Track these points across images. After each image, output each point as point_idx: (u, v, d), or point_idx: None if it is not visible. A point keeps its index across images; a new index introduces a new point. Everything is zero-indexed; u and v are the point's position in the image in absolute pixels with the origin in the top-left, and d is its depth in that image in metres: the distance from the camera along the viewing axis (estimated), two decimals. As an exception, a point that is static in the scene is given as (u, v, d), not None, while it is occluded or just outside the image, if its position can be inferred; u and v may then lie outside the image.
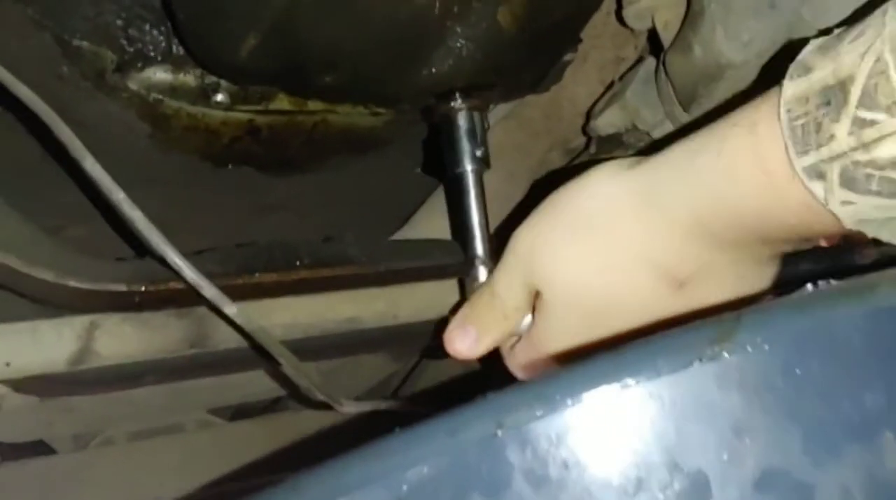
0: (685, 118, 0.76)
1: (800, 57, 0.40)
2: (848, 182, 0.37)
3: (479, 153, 0.68)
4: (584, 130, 0.89)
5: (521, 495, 0.32)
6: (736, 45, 0.69)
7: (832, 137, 0.37)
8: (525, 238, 0.51)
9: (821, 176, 0.38)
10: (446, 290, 0.72)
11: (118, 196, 0.51)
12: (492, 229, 0.70)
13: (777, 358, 0.33)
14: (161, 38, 0.68)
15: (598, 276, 0.48)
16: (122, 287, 0.56)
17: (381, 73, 0.66)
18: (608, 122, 0.84)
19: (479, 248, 0.67)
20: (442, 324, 0.57)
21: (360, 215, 0.84)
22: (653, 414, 0.32)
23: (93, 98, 0.68)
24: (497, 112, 0.86)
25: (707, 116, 0.72)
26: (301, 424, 0.90)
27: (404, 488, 0.32)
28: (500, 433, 0.32)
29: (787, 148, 0.38)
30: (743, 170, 0.41)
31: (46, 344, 0.60)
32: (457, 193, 0.69)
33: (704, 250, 0.46)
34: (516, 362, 0.55)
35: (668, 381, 0.32)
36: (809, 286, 0.36)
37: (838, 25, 0.41)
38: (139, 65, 0.68)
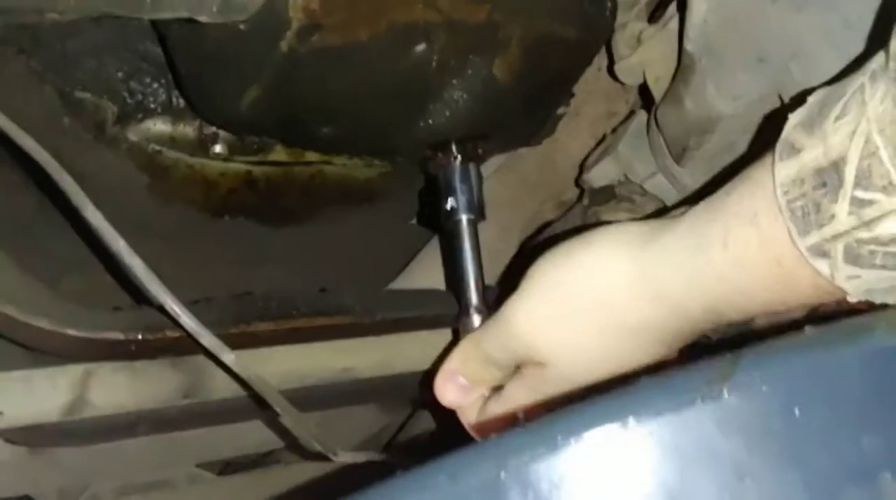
0: (677, 170, 0.78)
1: (784, 135, 0.42)
2: (853, 259, 0.39)
3: (474, 204, 0.68)
4: (577, 182, 0.90)
5: (524, 539, 0.32)
6: (726, 98, 0.70)
7: (833, 216, 0.38)
8: (520, 311, 0.52)
9: (824, 254, 0.39)
10: (440, 340, 0.72)
11: (118, 244, 0.51)
12: (486, 280, 0.70)
13: (776, 399, 0.33)
14: (161, 90, 0.69)
15: (604, 357, 0.50)
16: (119, 335, 0.56)
17: (378, 125, 0.67)
18: (601, 174, 0.85)
19: (474, 297, 0.68)
20: (430, 375, 0.59)
21: (356, 266, 0.84)
22: (655, 455, 0.32)
23: (93, 149, 0.69)
24: (491, 165, 0.87)
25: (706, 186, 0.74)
26: (293, 477, 0.88)
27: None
28: (502, 475, 0.32)
29: (789, 231, 0.40)
30: (752, 259, 0.43)
31: (40, 393, 0.59)
32: (452, 244, 0.69)
33: (709, 329, 0.48)
34: (479, 420, 0.57)
35: (669, 420, 0.32)
36: (808, 328, 0.36)
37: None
38: (139, 116, 0.69)
